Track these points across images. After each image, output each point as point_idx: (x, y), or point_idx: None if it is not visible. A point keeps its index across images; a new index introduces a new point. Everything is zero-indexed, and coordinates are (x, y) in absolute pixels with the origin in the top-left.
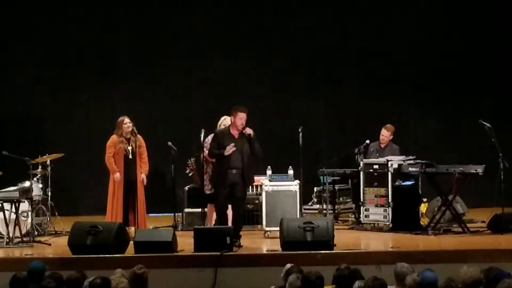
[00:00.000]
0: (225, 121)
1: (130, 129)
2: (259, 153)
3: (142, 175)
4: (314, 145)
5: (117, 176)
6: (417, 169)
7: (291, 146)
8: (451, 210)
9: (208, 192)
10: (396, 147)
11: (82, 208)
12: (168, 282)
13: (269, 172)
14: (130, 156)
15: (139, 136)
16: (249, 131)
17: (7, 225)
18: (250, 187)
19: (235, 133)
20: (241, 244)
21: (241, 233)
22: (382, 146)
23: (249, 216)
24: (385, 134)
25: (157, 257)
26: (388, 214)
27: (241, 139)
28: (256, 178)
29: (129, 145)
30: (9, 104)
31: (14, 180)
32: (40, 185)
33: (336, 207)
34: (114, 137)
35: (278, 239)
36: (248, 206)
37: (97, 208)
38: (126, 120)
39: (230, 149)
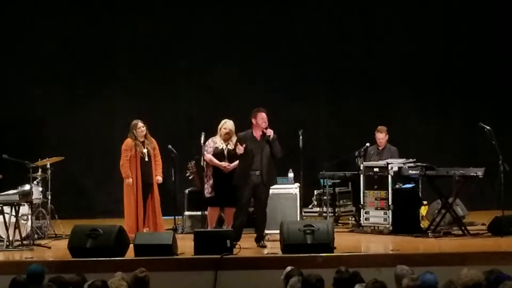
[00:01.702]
0: (225, 124)
1: (144, 132)
2: (277, 154)
3: (158, 177)
4: (314, 148)
5: (129, 181)
6: (417, 172)
7: (291, 149)
8: (451, 213)
9: (208, 195)
10: (395, 149)
11: (82, 211)
12: (168, 285)
13: None
14: (146, 159)
15: (152, 139)
16: (269, 132)
17: (7, 229)
18: None
19: (257, 135)
20: (265, 244)
21: (243, 235)
22: (380, 148)
23: (249, 219)
24: (380, 136)
25: (157, 260)
26: (388, 216)
27: (263, 141)
28: None
29: (144, 148)
30: (9, 107)
31: (14, 184)
32: (40, 188)
33: (336, 210)
34: (129, 141)
35: (278, 242)
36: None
37: (97, 211)
38: (140, 124)
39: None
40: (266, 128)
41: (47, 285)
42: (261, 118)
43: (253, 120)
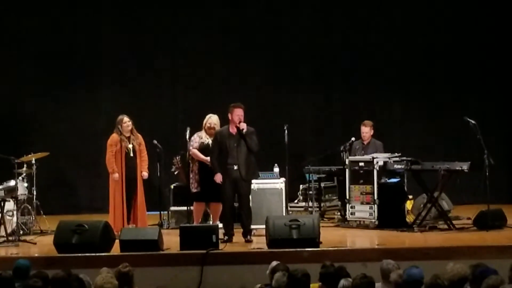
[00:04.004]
0: (210, 119)
1: (130, 127)
2: (252, 147)
3: (143, 173)
4: (300, 143)
5: (115, 176)
6: (403, 166)
7: (276, 144)
8: (436, 207)
9: (194, 190)
10: (380, 143)
11: (68, 207)
12: (154, 281)
13: None
14: (131, 154)
15: (138, 134)
16: (242, 125)
17: None
18: None
19: (233, 130)
20: (251, 239)
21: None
22: (365, 143)
23: (235, 214)
24: (365, 130)
25: (143, 255)
26: (374, 211)
27: (238, 135)
28: None
29: (129, 143)
30: None
31: None
32: (25, 184)
33: (322, 204)
34: (114, 136)
35: (264, 237)
36: (234, 204)
37: (83, 206)
38: (126, 119)
39: (218, 178)
40: (239, 122)
41: (33, 281)
42: (236, 114)
43: (229, 115)
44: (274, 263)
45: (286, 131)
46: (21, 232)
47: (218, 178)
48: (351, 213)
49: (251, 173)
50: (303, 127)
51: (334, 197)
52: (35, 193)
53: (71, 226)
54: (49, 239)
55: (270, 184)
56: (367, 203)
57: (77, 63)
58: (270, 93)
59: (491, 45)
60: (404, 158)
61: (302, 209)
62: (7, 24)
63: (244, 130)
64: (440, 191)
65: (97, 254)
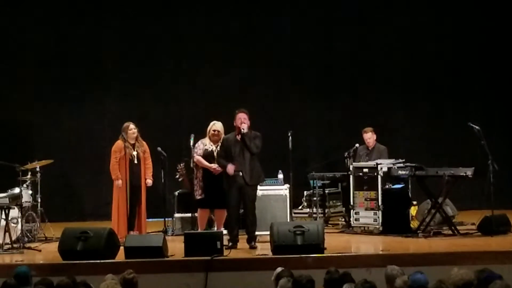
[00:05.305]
0: (214, 126)
1: (135, 135)
2: (251, 148)
3: (147, 180)
4: (304, 149)
5: (119, 183)
6: (407, 172)
7: (280, 151)
8: (441, 213)
9: (198, 197)
10: (384, 148)
11: (72, 214)
12: (158, 287)
13: None
14: (135, 161)
15: (143, 142)
16: (243, 126)
17: None
18: None
19: (238, 136)
20: (256, 245)
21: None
22: (370, 148)
23: (240, 220)
24: (367, 136)
25: (147, 262)
26: (378, 217)
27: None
28: None
29: (134, 150)
30: None
31: (4, 187)
32: (30, 192)
33: (326, 210)
34: (119, 143)
35: (269, 243)
36: (240, 210)
37: (87, 213)
38: (132, 126)
39: (231, 168)
40: (241, 124)
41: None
42: (238, 118)
43: (234, 122)
44: (279, 269)
45: (290, 138)
46: (26, 240)
47: (231, 169)
48: (356, 219)
49: (255, 178)
50: (307, 134)
51: (339, 203)
52: (39, 200)
53: (76, 233)
54: (53, 246)
55: (274, 191)
56: (372, 209)
57: (81, 69)
58: (274, 99)
59: (494, 51)
60: (408, 164)
61: (306, 215)
62: (10, 31)
63: (244, 130)
64: (445, 196)
65: (102, 261)
